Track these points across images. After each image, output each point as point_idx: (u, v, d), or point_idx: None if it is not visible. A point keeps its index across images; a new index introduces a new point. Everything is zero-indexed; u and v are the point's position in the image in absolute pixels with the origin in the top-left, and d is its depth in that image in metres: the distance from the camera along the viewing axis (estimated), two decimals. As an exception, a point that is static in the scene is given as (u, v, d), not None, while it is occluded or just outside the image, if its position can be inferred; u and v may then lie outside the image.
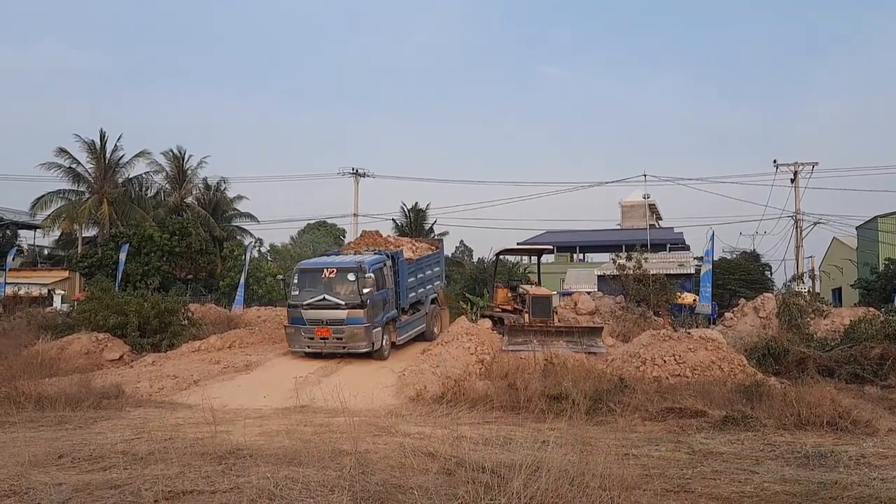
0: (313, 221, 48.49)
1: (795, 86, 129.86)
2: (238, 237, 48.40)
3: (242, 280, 32.15)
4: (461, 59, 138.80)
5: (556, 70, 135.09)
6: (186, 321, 21.91)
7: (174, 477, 7.11)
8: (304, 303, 17.22)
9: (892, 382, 14.34)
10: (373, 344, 17.17)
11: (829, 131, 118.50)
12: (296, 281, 17.79)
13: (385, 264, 18.47)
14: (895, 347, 15.15)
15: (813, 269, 44.10)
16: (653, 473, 7.63)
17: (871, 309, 21.53)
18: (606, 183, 61.19)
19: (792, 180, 37.17)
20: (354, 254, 19.47)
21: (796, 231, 37.32)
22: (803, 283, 34.26)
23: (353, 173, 46.60)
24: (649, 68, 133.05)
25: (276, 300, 33.90)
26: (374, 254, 19.06)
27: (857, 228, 44.23)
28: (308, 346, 17.40)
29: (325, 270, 17.60)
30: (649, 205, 62.56)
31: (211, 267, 40.56)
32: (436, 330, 20.69)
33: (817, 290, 41.30)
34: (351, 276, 17.16)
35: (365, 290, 16.91)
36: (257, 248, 44.11)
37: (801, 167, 36.92)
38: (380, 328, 17.48)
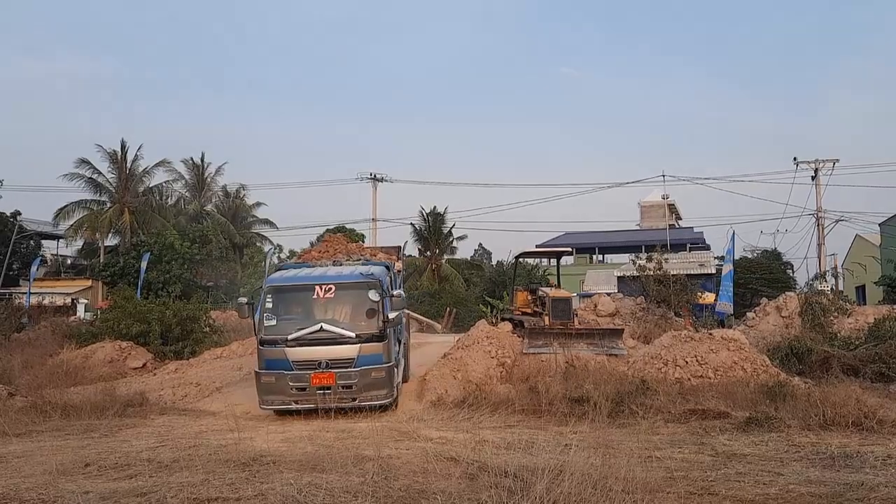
0: (332, 227, 48.69)
1: (816, 81, 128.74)
2: (257, 244, 48.73)
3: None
4: (478, 62, 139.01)
5: (574, 70, 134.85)
6: (208, 328, 22.08)
7: (199, 484, 7.18)
8: (290, 337, 12.17)
9: (918, 381, 14.17)
10: (394, 392, 12.70)
11: (851, 127, 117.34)
12: (269, 305, 12.52)
13: (389, 279, 14.07)
14: (922, 346, 14.98)
15: (836, 268, 43.66)
16: (676, 476, 7.60)
17: (896, 306, 21.27)
18: (625, 183, 60.99)
19: (813, 178, 36.87)
20: (333, 264, 14.88)
21: (818, 229, 37.03)
22: (826, 281, 33.99)
23: (370, 178, 46.76)
24: (667, 68, 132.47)
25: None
26: (363, 263, 14.66)
27: (880, 225, 43.68)
28: (296, 402, 12.13)
29: (319, 287, 12.55)
30: (668, 204, 62.24)
31: (231, 274, 40.85)
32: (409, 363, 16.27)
33: (840, 288, 40.89)
34: (374, 295, 12.45)
35: (392, 315, 12.62)
36: (277, 255, 44.33)
37: (821, 164, 36.66)
38: (397, 369, 13.11)
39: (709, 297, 27.21)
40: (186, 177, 47.70)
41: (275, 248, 47.30)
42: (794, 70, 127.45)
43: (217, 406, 13.46)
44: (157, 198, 46.41)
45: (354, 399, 12.21)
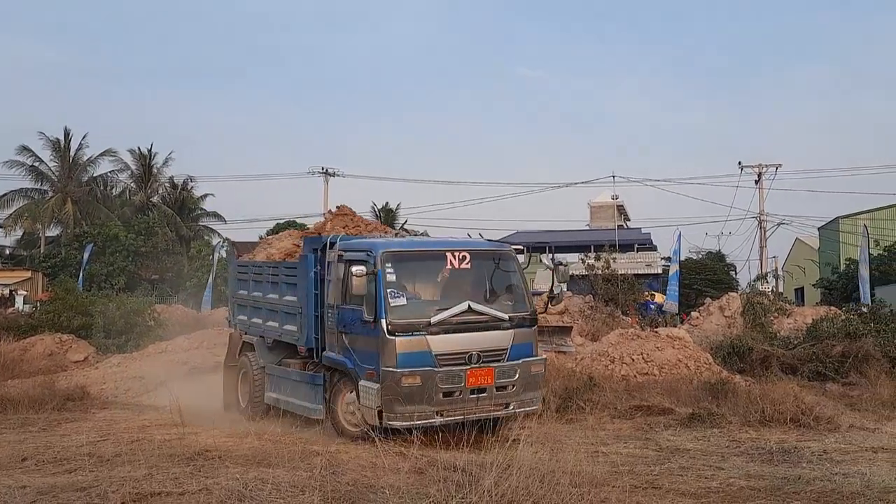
0: (282, 221, 48.18)
1: (761, 87, 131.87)
2: (205, 237, 47.90)
3: (211, 280, 31.91)
4: (432, 59, 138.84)
5: (530, 70, 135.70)
6: (153, 322, 21.66)
7: (141, 479, 7.03)
8: (434, 320, 9.04)
9: (852, 380, 14.66)
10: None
11: (794, 133, 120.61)
12: (391, 277, 9.15)
13: None
14: (856, 345, 15.49)
15: (776, 269, 44.88)
16: (622, 470, 7.74)
17: (833, 308, 21.99)
18: (575, 183, 61.58)
19: (756, 182, 37.74)
20: (383, 235, 11.84)
21: (760, 232, 37.94)
22: (767, 282, 34.95)
23: (322, 172, 46.26)
24: (620, 70, 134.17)
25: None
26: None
27: (819, 229, 45.05)
28: (440, 413, 8.98)
29: (452, 255, 9.53)
30: (618, 206, 63.08)
31: (178, 267, 40.16)
32: None
33: (781, 289, 42.11)
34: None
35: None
36: (225, 248, 43.63)
37: (764, 168, 37.49)
38: None
39: (658, 297, 27.96)
40: (133, 167, 46.61)
41: (223, 242, 46.60)
42: (741, 75, 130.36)
43: (161, 400, 13.16)
44: (102, 188, 45.47)
45: (508, 404, 9.38)
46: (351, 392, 9.50)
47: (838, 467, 8.14)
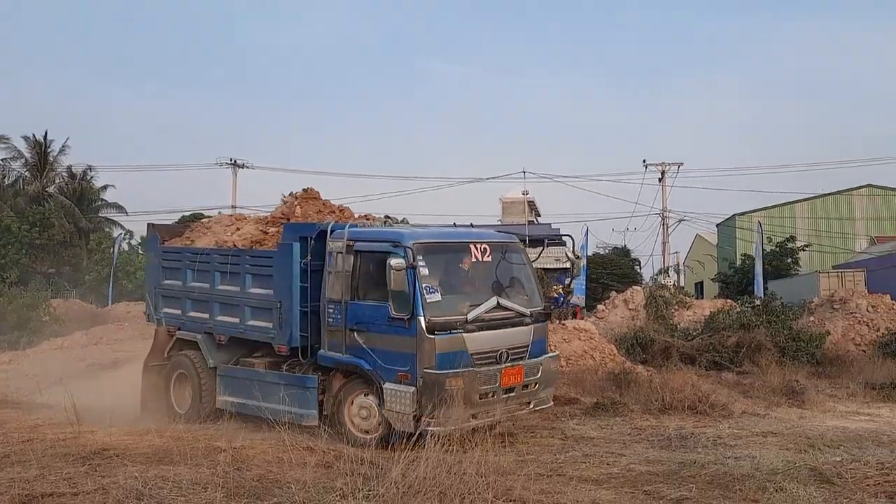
0: (188, 213, 46.72)
1: (666, 89, 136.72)
2: (106, 229, 45.97)
3: (112, 274, 30.84)
4: (344, 51, 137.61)
5: (441, 66, 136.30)
6: (48, 317, 20.74)
7: (32, 480, 6.70)
8: (471, 316, 8.68)
9: (746, 368, 15.42)
10: None
11: (696, 132, 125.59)
12: (424, 270, 8.57)
13: None
14: (749, 336, 16.28)
15: (678, 264, 46.57)
16: (527, 459, 7.91)
17: (729, 301, 23.02)
18: (487, 179, 62.29)
19: (660, 179, 39.04)
20: (384, 224, 10.45)
21: (663, 228, 39.29)
22: (669, 276, 36.29)
23: (231, 164, 45.10)
24: (533, 67, 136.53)
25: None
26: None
27: (717, 226, 47.11)
28: (475, 416, 8.59)
29: (475, 247, 9.13)
30: (528, 201, 64.10)
31: (76, 260, 38.45)
32: None
33: (682, 283, 43.77)
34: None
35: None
36: (127, 241, 42.01)
37: (668, 167, 38.78)
38: None
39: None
40: (27, 155, 44.27)
41: (125, 234, 44.91)
42: (649, 75, 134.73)
43: (55, 399, 12.56)
44: (-8, 177, 43.09)
45: (529, 402, 9.26)
46: (366, 395, 8.91)
47: (731, 451, 8.55)
